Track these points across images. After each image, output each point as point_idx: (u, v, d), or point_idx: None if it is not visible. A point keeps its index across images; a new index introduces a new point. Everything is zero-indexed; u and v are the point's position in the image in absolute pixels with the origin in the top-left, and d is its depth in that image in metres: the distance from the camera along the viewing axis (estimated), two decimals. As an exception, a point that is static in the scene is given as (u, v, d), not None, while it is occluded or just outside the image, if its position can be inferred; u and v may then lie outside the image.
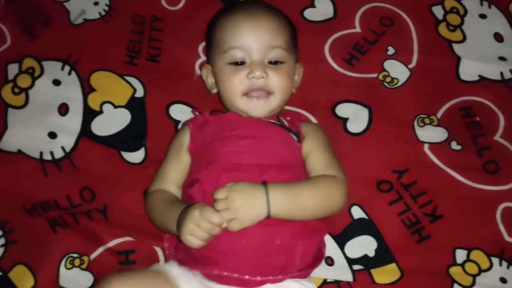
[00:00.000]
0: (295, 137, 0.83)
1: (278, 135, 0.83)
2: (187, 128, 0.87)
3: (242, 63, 0.83)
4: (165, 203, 0.80)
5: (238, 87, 0.83)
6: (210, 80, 0.91)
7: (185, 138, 0.85)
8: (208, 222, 0.70)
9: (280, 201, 0.74)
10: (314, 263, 0.78)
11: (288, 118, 0.88)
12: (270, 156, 0.79)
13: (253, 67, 0.82)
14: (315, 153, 0.83)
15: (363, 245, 0.86)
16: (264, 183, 0.75)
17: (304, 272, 0.77)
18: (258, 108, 0.83)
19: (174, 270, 0.74)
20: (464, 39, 1.06)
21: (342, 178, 0.81)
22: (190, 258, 0.76)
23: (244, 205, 0.72)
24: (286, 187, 0.76)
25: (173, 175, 0.84)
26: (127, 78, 0.98)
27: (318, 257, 0.80)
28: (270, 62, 0.84)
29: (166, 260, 0.81)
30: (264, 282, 0.74)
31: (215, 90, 0.91)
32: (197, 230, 0.71)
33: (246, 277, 0.73)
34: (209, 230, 0.71)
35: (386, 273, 0.84)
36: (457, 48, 1.04)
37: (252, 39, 0.83)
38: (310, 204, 0.77)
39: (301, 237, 0.76)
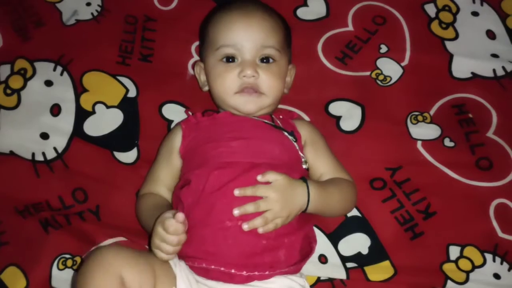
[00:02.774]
0: (290, 137, 0.83)
1: (272, 135, 0.83)
2: (179, 129, 0.86)
3: (233, 60, 0.83)
4: (150, 209, 0.80)
5: (230, 85, 0.83)
6: (202, 78, 0.91)
7: (177, 140, 0.85)
8: (173, 236, 0.71)
9: (317, 198, 0.77)
10: (303, 258, 0.77)
11: (281, 117, 0.87)
12: (264, 155, 0.79)
13: (244, 66, 0.82)
14: (321, 159, 0.85)
15: (357, 243, 0.86)
16: (304, 179, 0.77)
17: (293, 268, 0.76)
18: (249, 103, 0.83)
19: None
20: (456, 36, 1.06)
21: (352, 181, 0.85)
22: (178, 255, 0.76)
23: (287, 204, 0.73)
24: (322, 186, 0.79)
25: (164, 178, 0.84)
26: (120, 78, 0.98)
27: (307, 251, 0.78)
28: (262, 61, 0.84)
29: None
30: (251, 278, 0.73)
31: (206, 88, 0.91)
32: (163, 245, 0.71)
33: (232, 271, 0.72)
34: (177, 243, 0.71)
35: (380, 271, 0.84)
36: (449, 45, 1.05)
37: (245, 38, 0.83)
38: (336, 204, 0.81)
39: (287, 234, 0.76)
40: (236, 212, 0.73)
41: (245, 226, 0.72)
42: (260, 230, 0.73)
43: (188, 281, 0.73)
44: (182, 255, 0.75)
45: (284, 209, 0.73)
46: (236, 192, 0.73)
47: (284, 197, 0.73)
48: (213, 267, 0.73)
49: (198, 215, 0.75)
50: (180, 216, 0.71)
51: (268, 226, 0.73)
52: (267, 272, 0.73)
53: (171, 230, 0.71)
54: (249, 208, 0.73)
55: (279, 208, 0.73)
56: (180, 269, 0.73)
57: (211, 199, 0.75)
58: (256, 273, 0.73)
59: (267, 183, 0.75)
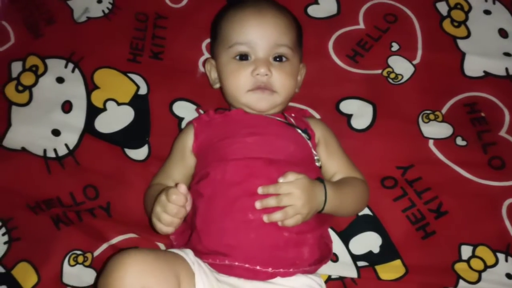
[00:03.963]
0: (304, 134, 0.83)
1: (286, 132, 0.83)
2: (191, 128, 0.86)
3: (247, 58, 0.83)
4: (157, 195, 0.80)
5: (243, 83, 0.83)
6: (213, 75, 0.91)
7: (189, 138, 0.85)
8: (174, 205, 0.71)
9: (332, 199, 0.77)
10: (322, 259, 0.78)
11: (293, 115, 0.87)
12: (279, 152, 0.80)
13: (257, 64, 0.82)
14: (334, 158, 0.86)
15: (368, 242, 0.86)
16: (321, 180, 0.77)
17: (313, 268, 0.77)
18: (262, 101, 0.83)
19: (190, 255, 0.74)
20: (468, 35, 1.05)
21: (365, 180, 0.86)
22: (198, 252, 0.75)
23: (308, 202, 0.74)
24: (337, 186, 0.80)
25: (176, 175, 0.85)
26: (131, 75, 0.98)
27: (326, 252, 0.79)
28: (275, 59, 0.84)
29: None
30: (275, 275, 0.74)
31: (217, 85, 0.91)
32: (163, 215, 0.72)
33: (258, 267, 0.72)
34: (175, 214, 0.72)
35: (391, 270, 0.84)
36: (461, 44, 1.04)
37: (259, 36, 0.83)
38: (350, 204, 0.82)
39: (308, 229, 0.76)
40: (258, 204, 0.73)
41: (265, 218, 0.73)
42: (280, 224, 0.73)
43: (208, 280, 0.72)
44: (202, 251, 0.75)
45: (305, 206, 0.74)
46: (260, 191, 0.74)
47: (306, 195, 0.74)
48: (237, 263, 0.72)
49: (219, 206, 0.75)
50: (182, 186, 0.72)
51: (288, 221, 0.73)
52: (291, 270, 0.74)
53: (172, 198, 0.71)
54: (271, 201, 0.73)
55: (301, 204, 0.73)
56: (198, 267, 0.72)
57: (232, 192, 0.75)
58: (281, 270, 0.73)
59: None
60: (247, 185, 0.75)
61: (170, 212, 0.72)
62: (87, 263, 0.82)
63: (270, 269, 0.73)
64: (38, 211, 0.85)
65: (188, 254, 0.73)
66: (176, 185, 0.73)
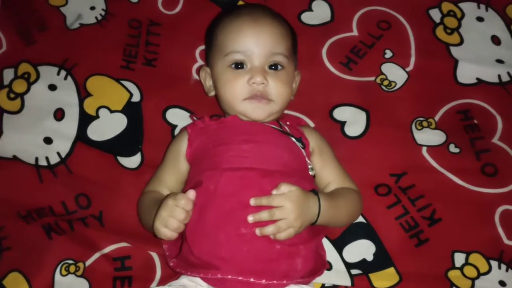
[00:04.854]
0: (298, 143, 0.83)
1: (280, 140, 0.83)
2: (185, 134, 0.86)
3: (242, 66, 0.83)
4: (152, 203, 0.80)
5: (239, 92, 0.83)
6: (208, 83, 0.91)
7: (183, 144, 0.85)
8: (182, 210, 0.71)
9: (326, 211, 0.77)
10: (317, 270, 0.78)
11: (288, 123, 0.87)
12: (274, 161, 0.79)
13: (254, 73, 0.81)
14: (328, 167, 0.85)
15: (361, 249, 0.86)
16: (315, 192, 0.77)
17: (307, 279, 0.77)
18: (258, 109, 0.83)
19: None
20: (461, 42, 1.05)
21: (358, 190, 0.85)
22: (190, 265, 0.75)
23: (300, 215, 0.74)
24: (331, 198, 0.79)
25: (169, 181, 0.84)
26: (124, 82, 0.98)
27: (320, 264, 0.79)
28: (271, 68, 0.84)
29: (167, 262, 0.79)
30: (268, 287, 0.73)
31: (212, 93, 0.91)
32: (169, 220, 0.72)
33: (251, 279, 0.72)
34: (183, 219, 0.72)
35: (385, 277, 0.83)
36: (454, 51, 1.04)
37: (255, 44, 0.82)
38: (344, 215, 0.82)
39: (301, 241, 0.76)
40: (250, 218, 0.73)
41: (258, 232, 0.73)
42: (272, 238, 0.73)
43: None
44: (193, 262, 0.74)
45: (297, 219, 0.73)
46: (252, 202, 0.74)
47: (299, 208, 0.74)
48: (230, 277, 0.72)
49: (212, 217, 0.75)
50: (191, 192, 0.73)
51: (281, 234, 0.73)
52: (284, 281, 0.74)
53: (182, 203, 0.72)
54: (264, 215, 0.73)
55: (293, 217, 0.73)
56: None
57: (225, 204, 0.75)
58: (274, 281, 0.73)
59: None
60: (240, 197, 0.74)
61: (178, 217, 0.72)
62: (79, 273, 0.81)
63: (263, 281, 0.72)
64: (30, 220, 0.85)
65: None
66: (183, 191, 0.73)
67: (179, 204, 0.72)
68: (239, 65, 0.83)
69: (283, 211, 0.73)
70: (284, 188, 0.74)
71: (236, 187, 0.75)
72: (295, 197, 0.74)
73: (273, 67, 0.84)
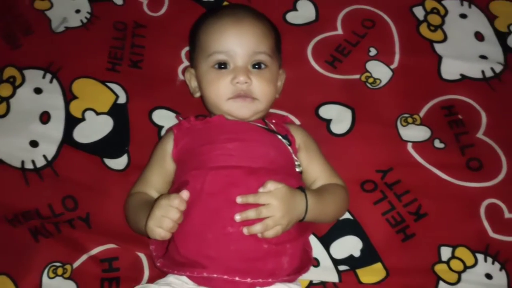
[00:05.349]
0: (284, 140, 0.84)
1: (266, 138, 0.83)
2: (171, 134, 0.86)
3: (226, 66, 0.84)
4: (140, 204, 0.80)
5: (223, 92, 0.83)
6: (193, 84, 0.91)
7: (169, 145, 0.85)
8: (176, 210, 0.72)
9: (314, 207, 0.77)
10: (302, 268, 0.78)
11: (273, 121, 0.88)
12: (260, 159, 0.80)
13: (236, 73, 0.82)
14: (315, 164, 0.86)
15: (349, 246, 0.86)
16: (302, 189, 0.77)
17: (292, 277, 0.77)
18: (243, 108, 0.83)
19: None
20: (445, 38, 1.06)
21: (345, 186, 0.86)
22: (177, 264, 0.75)
23: (288, 212, 0.74)
24: (318, 194, 0.80)
25: (155, 181, 0.85)
26: (109, 84, 0.98)
27: (306, 261, 0.80)
28: (254, 67, 0.84)
29: (154, 262, 0.80)
30: (254, 285, 0.74)
31: (198, 94, 0.91)
32: (163, 220, 0.72)
33: (236, 278, 0.72)
34: (177, 219, 0.72)
35: (372, 273, 0.84)
36: (438, 47, 1.05)
37: (237, 44, 0.83)
38: (331, 211, 0.83)
39: (287, 239, 0.76)
40: (237, 217, 0.73)
41: (245, 231, 0.73)
42: (260, 236, 0.73)
43: None
44: (179, 261, 0.74)
45: (284, 216, 0.74)
46: (239, 200, 0.74)
47: (285, 205, 0.74)
48: (215, 275, 0.72)
49: (198, 216, 0.75)
50: (185, 193, 0.73)
51: (268, 232, 0.73)
52: (270, 279, 0.74)
53: (176, 203, 0.72)
54: (251, 214, 0.73)
55: (280, 215, 0.73)
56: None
57: (212, 203, 0.75)
58: (260, 280, 0.73)
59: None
60: (227, 195, 0.75)
61: (172, 216, 0.72)
62: (66, 275, 0.81)
63: (249, 280, 0.73)
64: (16, 223, 0.84)
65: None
66: (170, 192, 0.73)
67: (173, 204, 0.72)
68: (222, 65, 0.84)
69: (270, 209, 0.73)
70: (271, 185, 0.74)
71: (222, 186, 0.76)
72: (282, 195, 0.74)
73: (256, 66, 0.84)
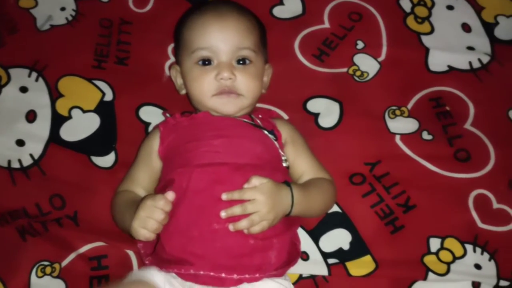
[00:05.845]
0: (270, 135, 0.83)
1: (252, 133, 0.83)
2: (157, 131, 0.86)
3: (210, 62, 0.83)
4: (126, 203, 0.80)
5: (207, 88, 0.83)
6: (179, 81, 0.91)
7: (155, 142, 0.85)
8: (161, 211, 0.71)
9: (300, 201, 0.77)
10: (290, 261, 0.78)
11: (260, 116, 0.87)
12: (246, 154, 0.79)
13: (220, 69, 0.82)
14: (302, 158, 0.85)
15: (338, 239, 0.86)
16: (287, 183, 0.77)
17: (280, 271, 0.77)
18: (228, 104, 0.83)
19: (157, 277, 0.73)
20: (432, 30, 1.06)
21: (332, 179, 0.86)
22: (164, 261, 0.75)
23: (273, 207, 0.74)
24: (304, 188, 0.79)
25: (142, 179, 0.84)
26: (96, 82, 0.97)
27: (294, 254, 0.79)
28: (238, 63, 0.84)
29: (143, 260, 0.79)
30: (241, 281, 0.73)
31: (184, 91, 0.91)
32: (147, 221, 0.71)
33: (223, 275, 0.72)
34: (162, 220, 0.72)
35: (361, 265, 0.84)
36: (425, 39, 1.05)
37: (220, 40, 0.83)
38: (318, 205, 0.82)
39: (274, 234, 0.76)
40: (223, 214, 0.73)
41: (231, 227, 0.72)
42: (246, 232, 0.73)
43: None
44: (166, 258, 0.74)
45: (270, 211, 0.74)
46: (224, 197, 0.74)
47: (271, 200, 0.74)
48: (202, 272, 0.72)
49: (184, 214, 0.74)
50: (171, 194, 0.73)
51: (255, 228, 0.73)
52: (257, 275, 0.74)
53: (161, 204, 0.71)
54: (236, 210, 0.73)
55: (266, 210, 0.73)
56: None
57: (197, 200, 0.75)
58: (246, 275, 0.73)
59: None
60: (212, 192, 0.74)
61: (157, 218, 0.72)
62: (55, 274, 0.81)
63: (235, 276, 0.72)
64: (3, 223, 0.84)
65: (155, 276, 0.73)
66: (163, 192, 0.73)
67: (158, 205, 0.72)
68: (206, 62, 0.83)
69: (255, 204, 0.73)
70: (255, 181, 0.74)
71: (208, 183, 0.75)
72: (267, 189, 0.74)
73: (241, 62, 0.84)
